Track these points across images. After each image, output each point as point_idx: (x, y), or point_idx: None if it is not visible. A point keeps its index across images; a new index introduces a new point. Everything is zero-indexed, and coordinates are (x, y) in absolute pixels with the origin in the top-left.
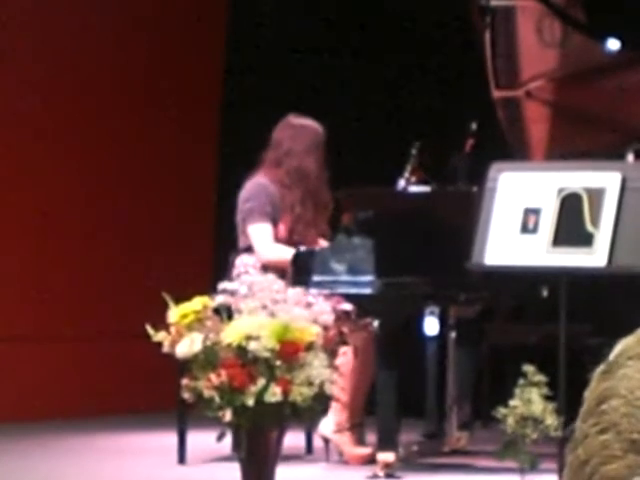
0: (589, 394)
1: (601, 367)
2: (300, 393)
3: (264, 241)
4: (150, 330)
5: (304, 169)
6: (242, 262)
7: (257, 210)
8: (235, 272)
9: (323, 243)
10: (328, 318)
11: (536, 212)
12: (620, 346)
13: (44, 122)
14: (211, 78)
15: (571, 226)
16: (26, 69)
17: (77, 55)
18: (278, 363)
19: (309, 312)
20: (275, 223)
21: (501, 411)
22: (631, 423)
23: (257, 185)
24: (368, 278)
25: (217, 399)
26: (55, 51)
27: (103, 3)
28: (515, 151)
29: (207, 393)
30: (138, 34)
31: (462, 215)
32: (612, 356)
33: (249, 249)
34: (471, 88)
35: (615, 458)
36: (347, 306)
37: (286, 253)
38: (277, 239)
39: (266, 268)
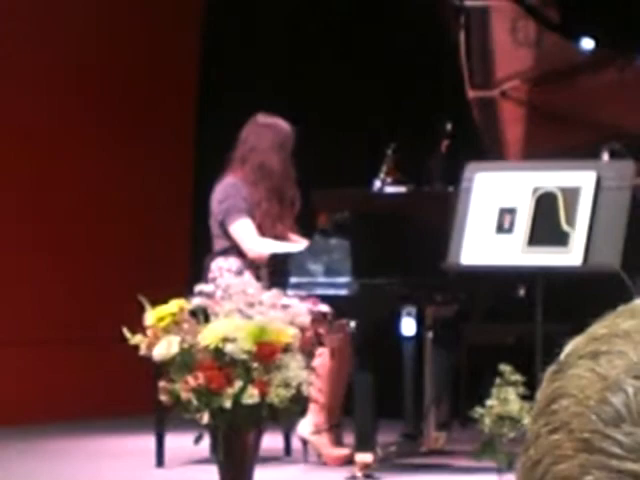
0: (540, 394)
1: (552, 367)
2: (277, 395)
3: (250, 236)
4: (127, 333)
5: (268, 166)
6: (217, 266)
7: (234, 208)
8: (210, 276)
9: (294, 237)
10: (305, 319)
11: (511, 212)
12: (571, 345)
13: (21, 123)
14: (187, 83)
15: (546, 225)
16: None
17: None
18: (255, 365)
19: (285, 314)
20: (252, 219)
21: (478, 411)
22: (582, 422)
23: (228, 185)
24: (345, 279)
25: (194, 401)
26: (26, 45)
27: None
28: (490, 151)
29: (184, 395)
30: (120, 37)
31: (438, 215)
32: (563, 355)
33: (224, 252)
34: (446, 88)
35: (567, 457)
36: (324, 307)
37: (276, 246)
38: None
39: (241, 272)
